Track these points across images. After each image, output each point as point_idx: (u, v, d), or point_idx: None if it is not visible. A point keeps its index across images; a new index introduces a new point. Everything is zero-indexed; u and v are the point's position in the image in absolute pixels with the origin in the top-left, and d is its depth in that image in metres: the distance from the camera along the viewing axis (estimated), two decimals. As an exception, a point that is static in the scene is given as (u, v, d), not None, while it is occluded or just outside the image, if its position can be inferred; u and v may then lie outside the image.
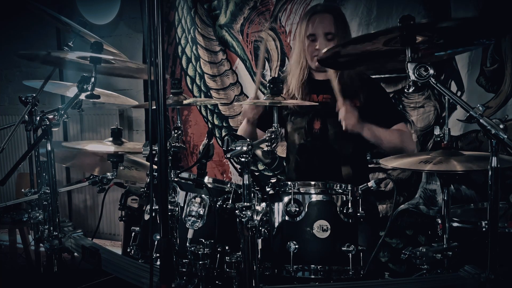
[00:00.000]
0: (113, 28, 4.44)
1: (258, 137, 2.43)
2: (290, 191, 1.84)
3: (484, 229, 1.99)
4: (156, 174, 1.30)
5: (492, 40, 2.20)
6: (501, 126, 1.40)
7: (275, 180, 1.93)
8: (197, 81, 3.89)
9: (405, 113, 3.14)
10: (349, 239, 1.84)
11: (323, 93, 2.41)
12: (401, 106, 3.16)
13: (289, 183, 1.87)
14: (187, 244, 1.84)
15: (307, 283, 1.80)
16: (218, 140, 3.76)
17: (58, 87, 2.64)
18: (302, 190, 1.86)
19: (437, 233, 1.85)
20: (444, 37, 1.61)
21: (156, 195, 1.33)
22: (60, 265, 2.00)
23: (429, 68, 1.47)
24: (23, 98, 2.28)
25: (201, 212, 1.89)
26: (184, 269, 1.84)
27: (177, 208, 1.82)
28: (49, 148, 1.95)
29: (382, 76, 3.14)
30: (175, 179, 1.92)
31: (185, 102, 2.09)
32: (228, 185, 1.95)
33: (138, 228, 2.10)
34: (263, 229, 1.61)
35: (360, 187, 1.90)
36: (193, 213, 1.89)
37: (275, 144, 1.80)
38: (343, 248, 1.81)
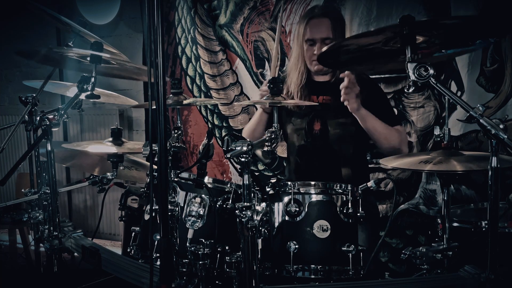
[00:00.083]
0: (113, 28, 4.43)
1: None
2: (290, 191, 1.85)
3: (484, 229, 1.99)
4: (156, 174, 1.30)
5: (492, 40, 2.19)
6: (501, 126, 1.39)
7: (275, 180, 1.93)
8: (197, 81, 3.88)
9: (405, 113, 3.14)
10: (349, 239, 1.85)
11: (323, 94, 2.41)
12: (401, 106, 3.16)
13: (289, 183, 1.88)
14: (187, 244, 1.84)
15: (307, 283, 1.80)
16: (218, 140, 3.76)
17: (58, 87, 2.64)
18: (302, 190, 1.86)
19: (437, 233, 1.85)
20: (444, 37, 1.61)
21: (156, 195, 1.32)
22: (60, 265, 2.00)
23: (429, 68, 1.46)
24: (23, 98, 2.27)
25: (201, 212, 1.90)
26: (184, 269, 1.84)
27: (177, 208, 1.82)
28: (49, 148, 1.95)
29: (382, 76, 3.14)
30: (175, 179, 1.92)
31: (185, 102, 2.09)
32: (228, 185, 1.95)
33: (138, 228, 2.10)
34: (263, 229, 1.61)
35: (360, 187, 1.90)
36: (193, 213, 1.90)
37: (275, 144, 1.80)
38: (343, 248, 1.81)
